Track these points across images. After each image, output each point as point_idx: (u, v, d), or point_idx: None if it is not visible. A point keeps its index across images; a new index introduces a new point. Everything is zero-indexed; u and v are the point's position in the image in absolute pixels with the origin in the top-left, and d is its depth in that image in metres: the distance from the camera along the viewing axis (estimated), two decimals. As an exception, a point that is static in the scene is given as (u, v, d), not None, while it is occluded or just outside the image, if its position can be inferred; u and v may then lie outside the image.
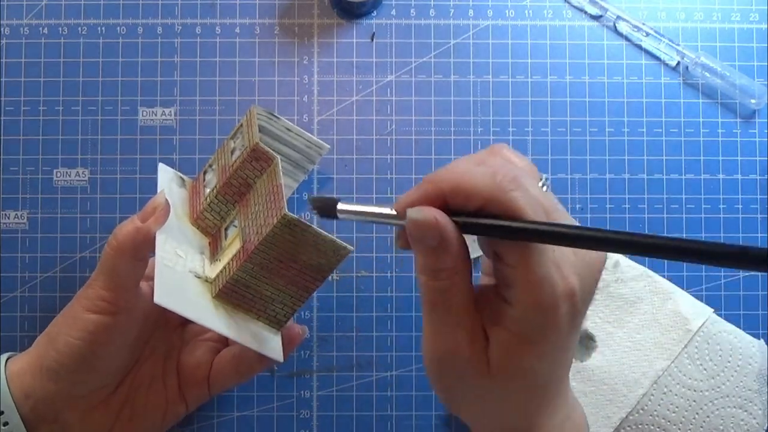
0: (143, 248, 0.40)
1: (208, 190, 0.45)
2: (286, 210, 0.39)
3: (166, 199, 0.41)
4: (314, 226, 0.40)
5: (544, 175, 0.38)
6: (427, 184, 0.31)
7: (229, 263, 0.41)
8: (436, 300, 0.31)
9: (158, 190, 0.43)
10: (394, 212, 0.32)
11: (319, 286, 0.43)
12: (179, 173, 0.47)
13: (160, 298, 0.37)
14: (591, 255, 0.32)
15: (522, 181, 0.30)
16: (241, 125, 0.45)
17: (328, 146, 0.50)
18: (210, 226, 0.44)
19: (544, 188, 0.33)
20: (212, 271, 0.42)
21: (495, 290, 0.32)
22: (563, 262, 0.30)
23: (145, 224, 0.40)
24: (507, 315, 0.31)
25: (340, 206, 0.33)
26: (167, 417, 0.45)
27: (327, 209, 0.33)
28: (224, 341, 0.46)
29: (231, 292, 0.41)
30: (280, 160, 0.42)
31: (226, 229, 0.44)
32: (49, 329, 0.42)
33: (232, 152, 0.44)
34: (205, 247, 0.44)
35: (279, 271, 0.41)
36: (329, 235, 0.41)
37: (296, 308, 0.43)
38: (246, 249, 0.41)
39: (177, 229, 0.42)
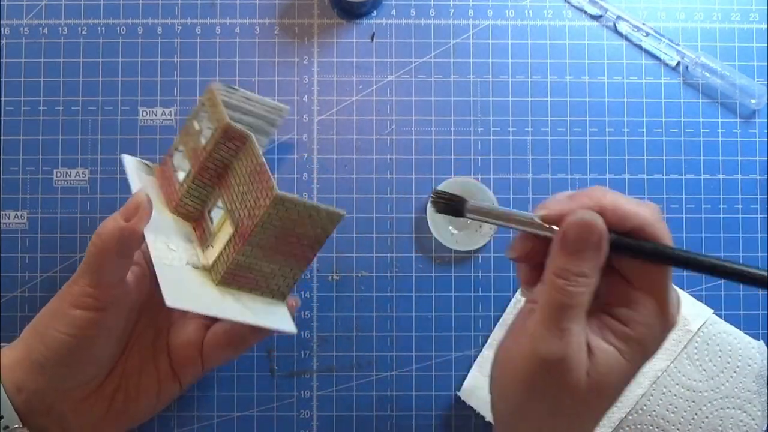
0: (129, 247, 0.40)
1: (181, 175, 0.44)
2: (276, 189, 0.39)
3: (148, 196, 0.41)
4: (305, 198, 0.40)
5: None
6: (585, 198, 0.32)
7: (225, 249, 0.41)
8: (564, 303, 0.32)
9: (130, 182, 0.43)
10: (533, 216, 0.33)
11: (317, 253, 0.43)
12: (143, 160, 0.47)
13: (173, 302, 0.37)
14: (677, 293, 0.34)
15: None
16: (203, 104, 0.44)
17: (288, 108, 0.50)
18: (192, 212, 0.44)
19: None
20: (207, 257, 0.42)
21: (601, 306, 0.33)
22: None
23: (129, 224, 0.40)
24: (619, 332, 0.32)
25: (470, 205, 0.34)
26: (162, 397, 0.45)
27: (454, 208, 0.35)
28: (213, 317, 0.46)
29: (233, 277, 0.41)
30: (254, 137, 0.42)
31: (209, 213, 0.44)
32: (36, 323, 0.42)
33: (200, 134, 0.44)
34: (191, 233, 0.44)
35: (277, 248, 0.41)
36: (322, 205, 0.41)
37: (297, 278, 0.43)
38: (242, 233, 0.40)
39: (160, 222, 0.42)
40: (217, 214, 0.43)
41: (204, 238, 0.43)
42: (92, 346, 0.41)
